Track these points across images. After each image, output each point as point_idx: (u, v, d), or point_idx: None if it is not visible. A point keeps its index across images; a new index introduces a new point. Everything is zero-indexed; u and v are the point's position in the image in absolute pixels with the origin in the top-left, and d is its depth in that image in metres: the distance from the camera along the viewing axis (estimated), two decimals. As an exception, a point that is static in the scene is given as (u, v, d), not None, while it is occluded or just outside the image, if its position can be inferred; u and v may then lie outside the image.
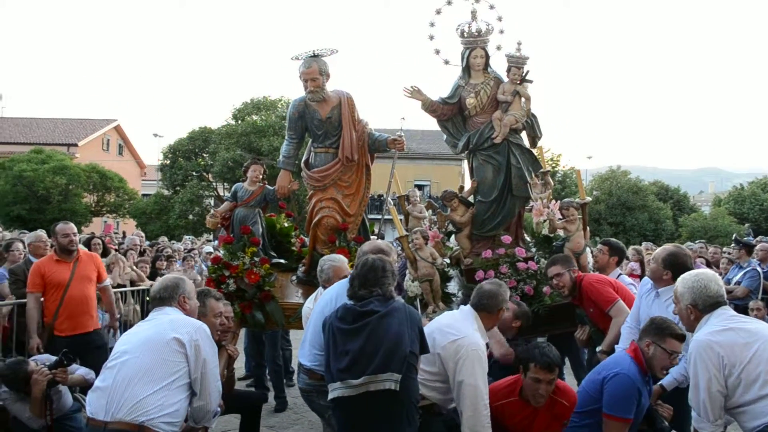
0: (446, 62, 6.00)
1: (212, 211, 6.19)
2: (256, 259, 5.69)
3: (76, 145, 34.94)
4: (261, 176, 6.16)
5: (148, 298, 8.00)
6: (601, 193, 33.73)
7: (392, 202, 6.14)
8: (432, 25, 5.90)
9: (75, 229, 5.92)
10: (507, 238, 5.67)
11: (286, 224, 6.55)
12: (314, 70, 5.58)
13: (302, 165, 5.95)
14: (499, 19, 5.81)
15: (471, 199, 5.97)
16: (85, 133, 36.90)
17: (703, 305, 3.36)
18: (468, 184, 6.26)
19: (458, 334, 3.82)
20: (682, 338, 3.67)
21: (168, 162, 30.87)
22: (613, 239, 6.15)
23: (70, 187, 26.20)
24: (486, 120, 5.78)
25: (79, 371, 4.95)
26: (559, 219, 5.68)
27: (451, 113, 5.98)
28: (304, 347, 4.25)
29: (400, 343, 3.37)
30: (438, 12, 5.89)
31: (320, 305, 4.14)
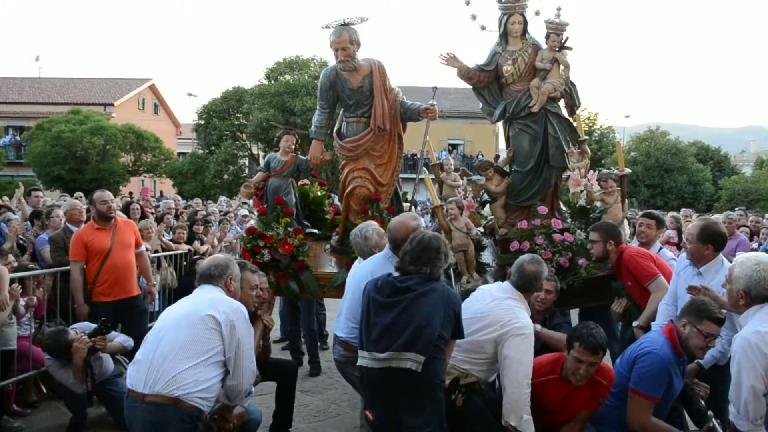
0: (483, 28, 5.80)
1: (246, 182, 6.25)
2: (290, 229, 5.71)
3: (112, 104, 35.36)
4: (293, 146, 6.14)
5: (185, 263, 8.17)
6: (638, 154, 33.04)
7: (426, 171, 6.11)
8: None
9: (112, 196, 6.06)
10: (543, 209, 5.57)
11: (319, 193, 6.56)
12: (345, 39, 5.49)
13: (334, 134, 5.91)
14: None
15: (507, 168, 5.88)
16: (121, 92, 37.28)
17: (756, 295, 3.26)
18: (502, 143, 6.16)
19: (512, 321, 3.77)
20: (720, 322, 3.59)
21: (202, 122, 31.11)
22: (655, 211, 6.00)
23: (108, 147, 26.68)
24: (523, 88, 5.60)
25: (117, 339, 5.11)
26: (597, 190, 5.57)
27: (487, 81, 5.80)
28: (340, 320, 4.29)
29: (428, 324, 3.36)
30: None
31: (356, 279, 4.16)
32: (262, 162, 6.37)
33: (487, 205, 6.11)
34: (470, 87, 6.02)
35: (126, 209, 8.14)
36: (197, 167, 30.30)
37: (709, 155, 37.66)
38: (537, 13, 5.69)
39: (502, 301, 3.90)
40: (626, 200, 5.71)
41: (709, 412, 3.72)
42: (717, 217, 9.06)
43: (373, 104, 5.64)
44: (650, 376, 3.62)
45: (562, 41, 5.52)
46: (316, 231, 6.18)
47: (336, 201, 6.55)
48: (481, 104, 6.01)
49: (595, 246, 4.93)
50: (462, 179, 6.84)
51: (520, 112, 5.63)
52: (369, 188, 5.70)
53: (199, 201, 15.25)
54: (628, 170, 5.84)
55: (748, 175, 36.92)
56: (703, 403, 3.85)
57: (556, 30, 5.50)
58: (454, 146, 37.60)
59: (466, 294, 4.83)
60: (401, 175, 6.10)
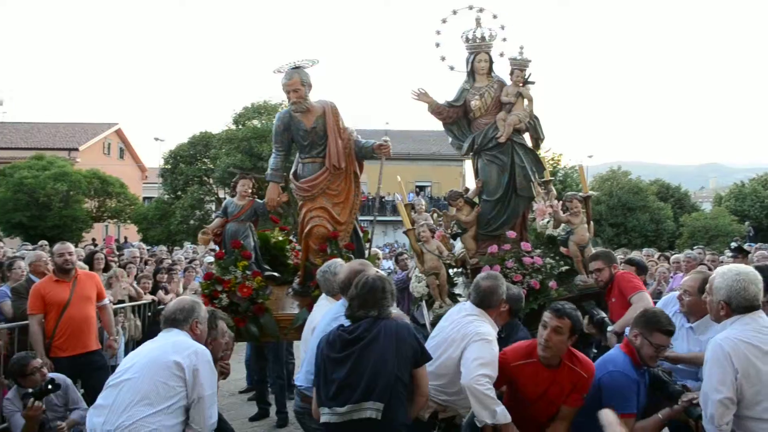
0: (452, 68, 6.17)
1: (204, 228, 6.20)
2: (248, 272, 5.63)
3: (77, 149, 34.81)
4: (250, 190, 6.12)
5: (149, 314, 7.98)
6: (601, 193, 33.60)
7: (399, 198, 6.19)
8: (438, 33, 6.03)
9: (71, 249, 5.90)
10: (512, 233, 5.79)
11: (280, 238, 6.52)
12: (296, 81, 5.54)
13: (290, 176, 5.90)
14: (502, 27, 6.00)
15: (476, 200, 6.05)
16: (86, 137, 36.83)
17: (736, 305, 3.27)
18: (470, 185, 6.34)
19: (471, 330, 3.81)
20: (669, 334, 3.64)
21: (169, 167, 30.81)
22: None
23: (71, 193, 26.13)
24: (490, 121, 5.92)
25: (73, 416, 4.84)
26: (563, 212, 5.74)
27: (456, 116, 6.11)
28: (302, 369, 4.23)
29: (382, 371, 3.35)
30: (444, 21, 6.04)
31: (319, 329, 4.09)
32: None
33: (457, 239, 6.18)
34: (437, 129, 6.18)
35: (89, 259, 7.95)
36: (163, 213, 29.83)
37: (670, 193, 38.43)
38: (501, 55, 6.06)
39: (461, 319, 3.93)
40: (591, 222, 5.86)
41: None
42: (678, 257, 9.27)
43: (327, 144, 5.65)
44: (619, 394, 3.59)
45: (526, 76, 5.83)
46: (276, 274, 6.12)
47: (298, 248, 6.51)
48: (450, 139, 6.22)
49: (601, 273, 5.03)
50: (432, 217, 6.93)
51: (487, 143, 5.90)
52: (327, 227, 5.66)
53: (164, 248, 14.96)
54: (592, 192, 6.04)
55: (708, 211, 37.74)
56: (677, 385, 3.77)
57: (519, 66, 5.85)
58: (421, 188, 37.90)
59: (439, 319, 4.81)
60: (379, 218, 6.10)
